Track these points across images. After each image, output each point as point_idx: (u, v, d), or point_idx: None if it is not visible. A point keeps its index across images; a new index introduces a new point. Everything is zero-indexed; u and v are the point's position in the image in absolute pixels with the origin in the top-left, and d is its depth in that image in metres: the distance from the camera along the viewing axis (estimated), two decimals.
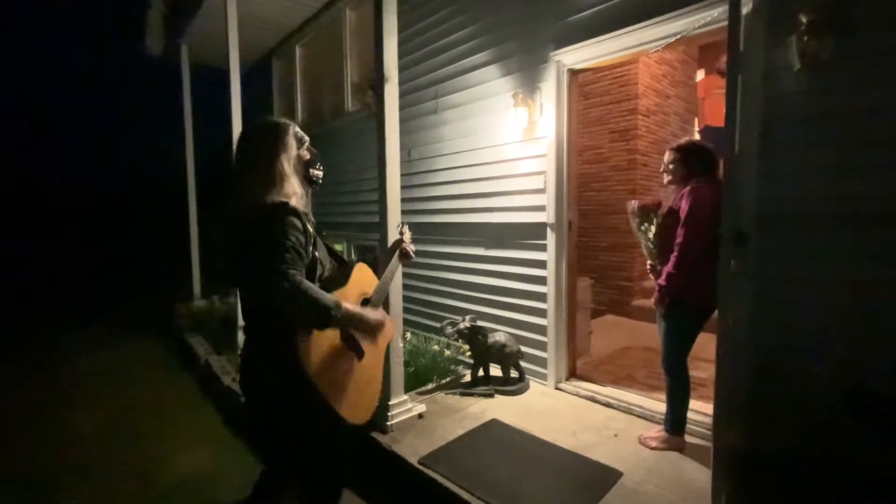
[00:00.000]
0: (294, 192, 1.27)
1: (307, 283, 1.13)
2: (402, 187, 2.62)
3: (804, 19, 1.79)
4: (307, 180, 1.40)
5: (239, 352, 3.75)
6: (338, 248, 5.13)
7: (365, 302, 1.43)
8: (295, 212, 1.21)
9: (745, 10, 1.99)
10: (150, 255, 10.19)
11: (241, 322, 4.02)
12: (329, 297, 1.17)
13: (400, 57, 2.65)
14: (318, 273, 1.30)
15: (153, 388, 3.64)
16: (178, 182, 5.87)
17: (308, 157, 1.40)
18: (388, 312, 1.67)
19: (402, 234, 1.74)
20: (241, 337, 3.97)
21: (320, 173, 1.45)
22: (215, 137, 4.56)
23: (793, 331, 1.94)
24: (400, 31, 2.47)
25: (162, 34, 5.94)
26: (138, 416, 3.11)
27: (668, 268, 2.03)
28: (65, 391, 3.62)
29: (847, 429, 1.76)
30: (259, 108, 6.69)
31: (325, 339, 1.24)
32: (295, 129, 1.36)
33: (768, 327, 1.99)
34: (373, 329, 1.35)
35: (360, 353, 1.35)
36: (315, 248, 1.28)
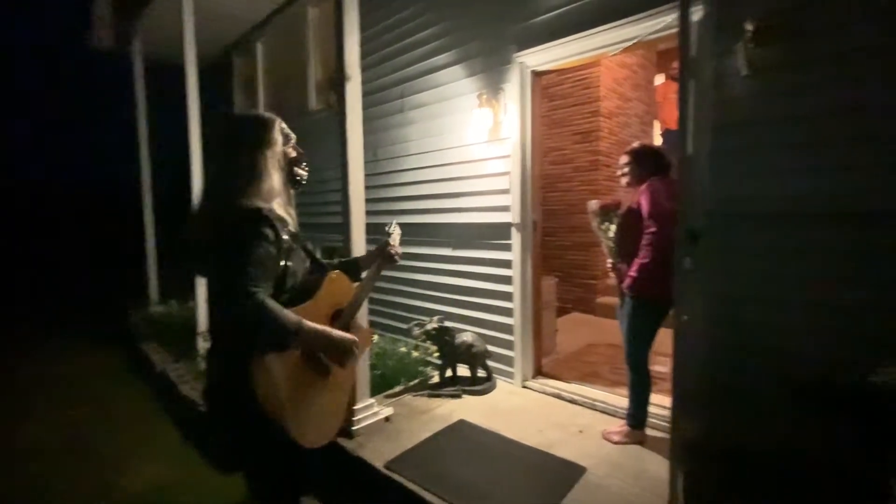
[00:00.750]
0: (273, 192, 1.20)
1: (269, 303, 1.07)
2: (368, 187, 2.59)
3: (749, 27, 1.87)
4: (291, 180, 1.31)
5: (198, 358, 3.65)
6: None
7: (339, 314, 1.34)
8: (268, 220, 1.13)
9: (694, 17, 2.07)
10: (101, 257, 9.65)
11: (200, 328, 3.92)
12: (291, 318, 1.10)
13: (364, 55, 2.61)
14: (290, 283, 1.22)
15: (106, 399, 3.44)
16: (132, 182, 5.58)
17: (294, 154, 1.31)
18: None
19: (389, 234, 1.57)
20: (200, 343, 3.82)
21: (305, 173, 1.36)
22: (172, 136, 4.37)
23: (744, 326, 2.03)
24: (364, 29, 2.44)
25: (112, 25, 5.62)
26: (90, 430, 2.93)
27: (641, 258, 2.08)
28: (9, 406, 3.38)
29: (795, 420, 1.86)
30: (219, 106, 6.46)
31: (285, 358, 1.16)
32: (282, 125, 1.28)
33: (721, 323, 2.08)
34: (338, 351, 1.23)
35: (325, 373, 1.27)
36: (290, 258, 1.21)
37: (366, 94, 2.61)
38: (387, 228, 1.59)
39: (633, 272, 2.10)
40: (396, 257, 1.55)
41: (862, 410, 1.68)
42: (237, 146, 1.22)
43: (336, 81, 2.40)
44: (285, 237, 1.19)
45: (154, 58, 5.68)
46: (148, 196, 5.35)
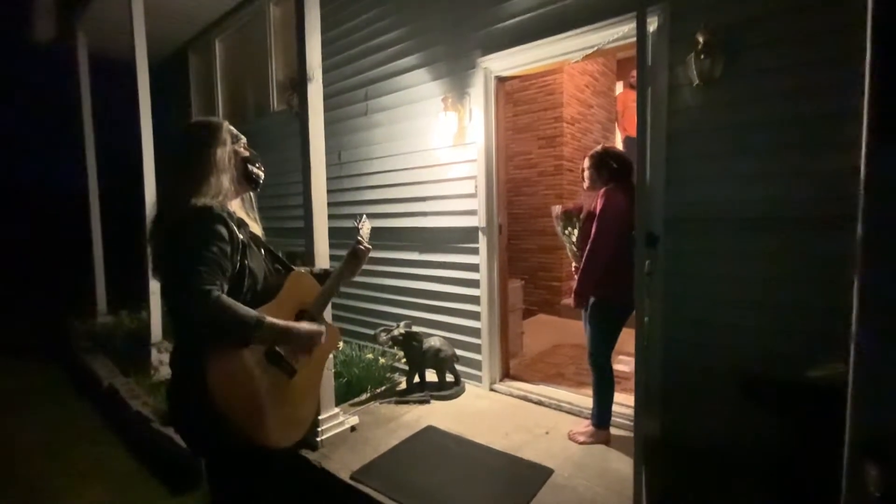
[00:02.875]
0: (222, 191, 1.19)
1: (224, 300, 1.05)
2: (332, 191, 2.53)
3: (700, 39, 1.96)
4: (247, 179, 1.31)
5: (151, 370, 3.45)
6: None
7: (301, 314, 1.31)
8: (220, 218, 1.12)
9: (650, 28, 2.15)
10: (41, 265, 8.98)
11: (154, 339, 3.70)
12: (249, 313, 1.10)
13: (328, 56, 2.56)
14: (249, 284, 1.19)
15: (42, 420, 3.17)
16: (78, 185, 5.23)
17: (246, 154, 1.31)
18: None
19: (359, 228, 1.52)
20: (154, 355, 3.61)
21: (261, 172, 1.35)
22: (124, 136, 4.14)
23: (700, 325, 2.12)
24: (327, 30, 2.40)
25: (53, 15, 5.25)
26: (20, 457, 2.67)
27: (581, 268, 2.13)
28: None
29: (748, 415, 1.95)
30: (174, 106, 6.19)
31: (246, 358, 1.14)
32: (228, 127, 1.29)
33: (678, 322, 2.16)
34: (304, 342, 1.25)
35: (290, 371, 1.24)
36: (247, 257, 1.19)
37: (329, 95, 2.57)
38: (356, 222, 1.54)
39: (576, 287, 2.16)
40: (363, 252, 1.48)
41: (802, 405, 1.79)
42: (185, 150, 1.23)
43: (297, 82, 2.33)
44: (241, 236, 1.18)
45: (102, 54, 5.37)
46: (94, 200, 5.03)
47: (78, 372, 3.98)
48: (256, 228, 1.36)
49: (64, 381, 3.93)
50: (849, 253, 1.27)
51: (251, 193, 1.37)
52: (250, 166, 1.31)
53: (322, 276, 1.49)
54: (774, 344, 1.93)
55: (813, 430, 1.67)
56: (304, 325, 1.25)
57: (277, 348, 1.20)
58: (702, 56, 1.96)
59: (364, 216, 1.57)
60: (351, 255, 1.48)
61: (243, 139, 1.33)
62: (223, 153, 1.22)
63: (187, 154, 1.22)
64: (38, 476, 2.47)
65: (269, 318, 1.13)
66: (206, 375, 1.05)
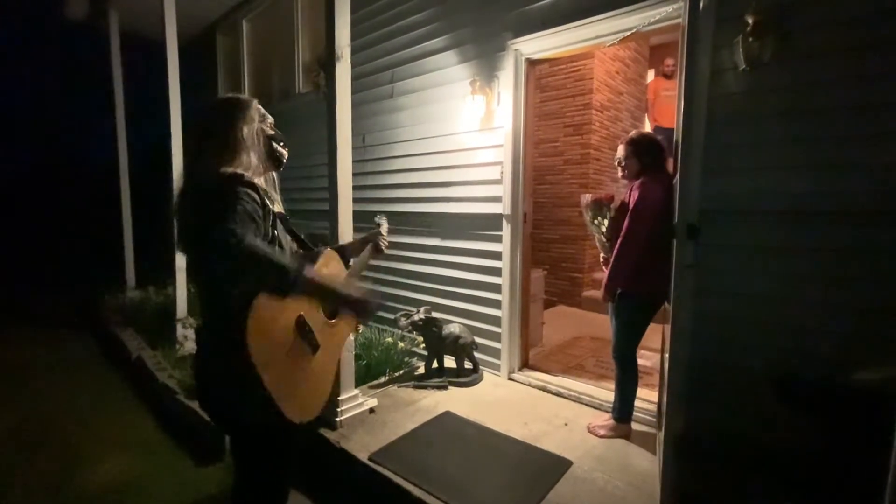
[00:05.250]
0: (251, 165, 1.20)
1: (258, 242, 1.00)
2: (356, 174, 2.51)
3: (750, 20, 1.85)
4: (271, 158, 1.32)
5: (177, 345, 3.54)
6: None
7: None
8: (251, 184, 1.12)
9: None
10: (75, 241, 9.29)
11: (179, 314, 3.80)
12: (287, 258, 1.06)
13: (354, 38, 2.52)
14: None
15: (73, 389, 3.31)
16: (108, 162, 5.36)
17: (272, 132, 1.32)
18: None
19: (379, 224, 1.62)
20: (179, 330, 3.70)
21: (285, 152, 1.36)
22: (153, 115, 4.20)
23: (731, 321, 2.04)
24: (354, 10, 2.35)
25: None
26: (53, 422, 2.80)
27: (612, 260, 2.07)
28: None
29: (780, 415, 1.88)
30: (202, 86, 6.24)
31: (277, 329, 1.13)
32: (258, 106, 1.30)
33: (710, 319, 2.08)
34: (352, 304, 1.14)
35: (314, 346, 1.23)
36: (276, 227, 1.20)
37: (355, 77, 2.53)
38: (376, 219, 1.64)
39: (606, 280, 2.10)
40: (384, 248, 1.60)
41: (841, 407, 1.71)
42: (215, 123, 1.23)
43: (325, 62, 2.30)
44: (270, 207, 1.19)
45: (133, 33, 5.44)
46: (125, 178, 5.15)
47: (108, 344, 4.14)
48: (279, 208, 1.36)
49: (94, 353, 4.08)
50: None
51: (274, 173, 1.38)
52: (275, 145, 1.32)
53: (342, 251, 1.53)
54: (813, 344, 1.84)
55: (850, 431, 1.60)
56: (348, 285, 1.16)
57: (306, 320, 1.18)
58: (750, 38, 1.84)
59: (382, 214, 1.67)
60: (374, 249, 1.57)
61: (270, 118, 1.34)
62: (251, 130, 1.23)
63: (217, 127, 1.22)
64: (67, 441, 2.57)
65: (311, 270, 1.06)
66: (239, 336, 1.03)
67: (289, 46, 4.83)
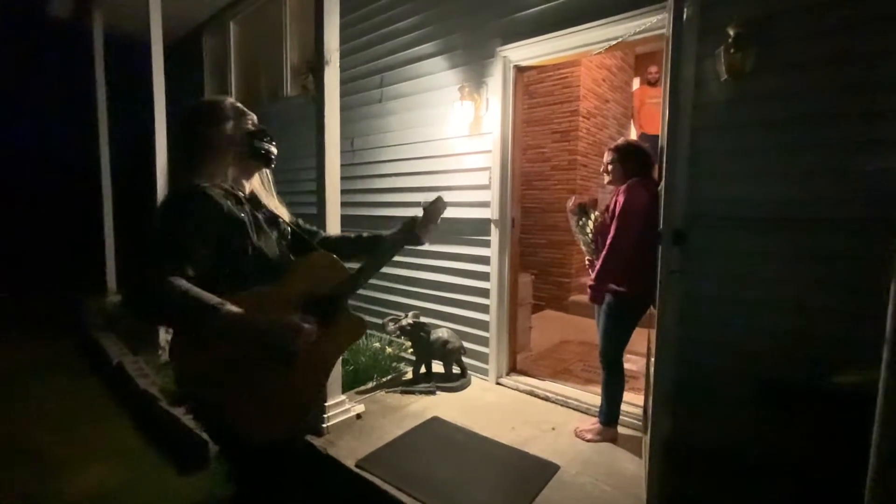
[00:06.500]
0: (223, 172, 1.15)
1: (179, 282, 0.95)
2: (344, 178, 2.51)
3: (731, 32, 1.90)
4: (255, 157, 1.22)
5: (160, 351, 3.47)
6: None
7: (309, 303, 1.15)
8: (203, 196, 1.06)
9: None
10: (53, 242, 9.06)
11: None
12: (209, 298, 0.96)
13: (344, 41, 2.52)
14: (257, 266, 1.13)
15: (51, 395, 3.21)
16: (90, 163, 5.24)
17: (252, 129, 1.23)
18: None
19: (426, 208, 1.37)
20: (162, 335, 3.63)
21: (272, 148, 1.25)
22: (137, 116, 4.14)
23: (716, 325, 2.08)
24: (344, 14, 2.35)
25: None
26: (30, 429, 2.71)
27: (598, 264, 2.10)
28: None
29: (764, 418, 1.91)
30: (188, 87, 6.16)
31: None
32: (233, 103, 1.23)
33: (694, 322, 2.11)
34: (270, 344, 1.01)
35: (287, 362, 1.09)
36: (249, 236, 1.12)
37: (344, 81, 2.53)
38: (423, 204, 1.38)
39: (591, 280, 2.13)
40: (428, 231, 1.38)
41: (823, 409, 1.75)
42: (184, 131, 1.20)
43: (314, 66, 2.30)
44: (241, 215, 1.13)
45: (117, 33, 5.36)
46: (107, 178, 5.05)
47: (88, 348, 4.03)
48: (281, 210, 1.31)
49: (74, 357, 3.97)
50: (881, 256, 1.22)
51: (267, 172, 1.31)
52: (257, 142, 1.22)
53: (370, 242, 1.42)
54: (795, 347, 1.89)
55: (831, 435, 1.64)
56: (272, 322, 1.01)
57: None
58: (732, 50, 1.89)
59: (440, 197, 1.39)
60: (406, 237, 1.37)
61: (252, 115, 1.26)
62: (222, 131, 1.17)
63: (185, 135, 1.19)
64: (45, 449, 2.50)
65: (230, 307, 0.96)
66: (183, 353, 1.01)
67: (277, 49, 4.80)
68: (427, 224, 1.38)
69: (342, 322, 1.25)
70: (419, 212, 1.41)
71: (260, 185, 1.28)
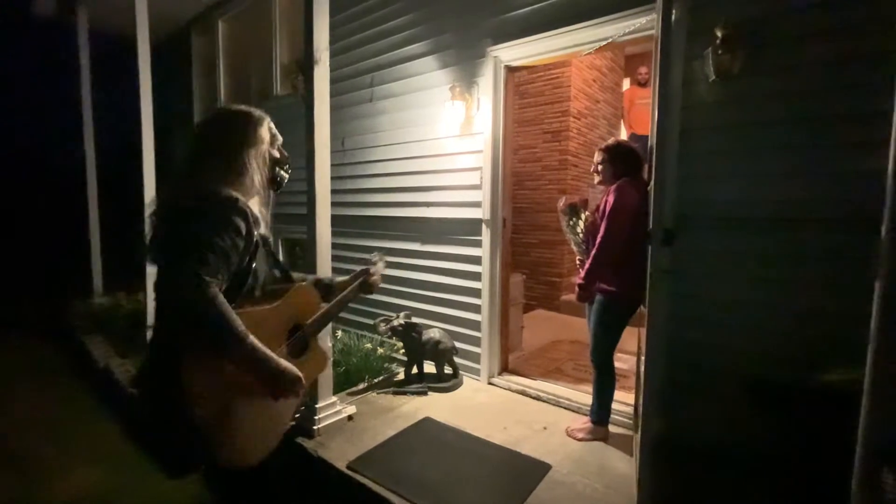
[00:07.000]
0: (252, 189, 1.16)
1: (220, 299, 0.97)
2: (335, 178, 2.49)
3: (719, 34, 1.91)
4: (272, 181, 1.27)
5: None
6: None
7: (294, 330, 1.24)
8: (243, 212, 1.08)
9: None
10: (37, 244, 8.90)
11: (150, 321, 3.67)
12: (239, 325, 1.00)
13: (334, 41, 2.50)
14: (250, 285, 1.15)
15: (37, 398, 3.15)
16: (75, 163, 5.15)
17: (278, 156, 1.28)
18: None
19: (374, 262, 1.55)
20: (150, 337, 3.57)
21: (287, 176, 1.32)
22: (123, 116, 4.08)
23: (704, 325, 2.09)
24: (333, 13, 2.33)
25: None
26: (16, 434, 2.66)
27: (587, 263, 2.10)
28: None
29: (751, 417, 1.93)
30: (175, 87, 6.09)
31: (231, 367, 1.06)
32: (270, 125, 1.26)
33: (681, 322, 2.13)
34: (278, 383, 1.09)
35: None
36: (256, 258, 1.15)
37: (334, 81, 2.51)
38: (372, 256, 1.58)
39: (580, 278, 2.13)
40: (375, 287, 1.52)
41: (808, 408, 1.77)
42: (222, 142, 1.17)
43: (304, 65, 2.28)
44: (257, 236, 1.14)
45: (103, 30, 5.27)
46: (92, 178, 4.96)
47: (74, 351, 3.96)
48: (264, 227, 1.30)
49: (60, 361, 3.90)
50: (865, 256, 1.24)
51: (272, 193, 1.33)
52: (279, 169, 1.28)
53: (326, 288, 1.45)
54: (781, 346, 1.91)
55: (819, 433, 1.66)
56: (287, 365, 1.10)
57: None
58: (720, 51, 1.91)
59: (380, 254, 1.60)
60: (361, 286, 1.48)
61: (279, 139, 1.30)
62: (259, 152, 1.19)
63: (225, 146, 1.16)
64: (31, 454, 2.45)
65: (254, 340, 1.02)
66: (185, 369, 0.98)
67: (266, 48, 4.76)
68: (377, 280, 1.53)
69: (311, 354, 1.30)
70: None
71: (258, 203, 1.23)
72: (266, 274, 1.24)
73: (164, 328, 1.11)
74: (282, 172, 1.30)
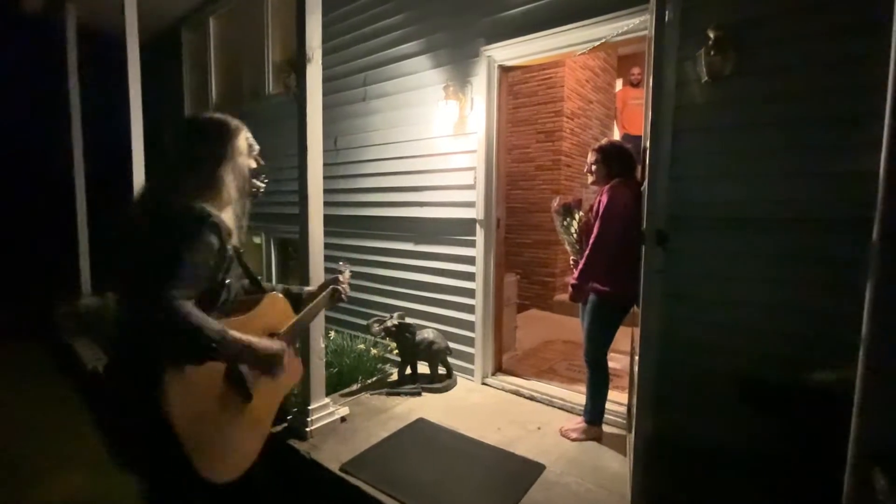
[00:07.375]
0: (226, 202, 1.14)
1: (190, 309, 0.98)
2: (328, 178, 2.48)
3: (711, 35, 1.92)
4: (248, 193, 1.26)
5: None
6: (255, 240, 4.72)
7: (272, 337, 1.26)
8: (216, 226, 1.06)
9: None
10: (23, 244, 8.76)
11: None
12: (213, 326, 1.01)
13: (326, 39, 2.48)
14: (224, 299, 1.15)
15: (22, 402, 3.10)
16: (62, 162, 5.07)
17: (255, 166, 1.27)
18: (300, 355, 1.49)
19: (341, 272, 1.58)
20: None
21: (263, 186, 1.31)
22: (112, 116, 4.02)
23: (697, 324, 2.10)
24: (326, 11, 2.32)
25: None
26: (3, 438, 2.61)
27: (581, 263, 2.10)
28: None
29: (745, 417, 1.94)
30: (166, 86, 6.01)
31: (204, 377, 1.07)
32: (247, 135, 1.24)
33: (675, 321, 2.14)
34: (267, 361, 1.16)
35: (246, 395, 1.17)
36: (229, 272, 1.14)
37: (327, 79, 2.50)
38: (339, 265, 1.62)
39: (573, 278, 2.13)
40: (344, 296, 1.54)
41: (801, 408, 1.78)
42: (199, 148, 1.15)
43: (296, 63, 2.26)
44: (230, 249, 1.13)
45: (91, 28, 5.19)
46: (80, 178, 4.89)
47: (61, 354, 3.90)
48: (237, 239, 1.28)
49: (47, 363, 3.84)
50: (857, 257, 1.25)
51: (247, 203, 1.30)
52: (255, 180, 1.28)
53: (295, 298, 1.45)
54: (773, 346, 1.92)
55: (811, 433, 1.67)
56: (267, 342, 1.16)
57: (241, 368, 1.14)
58: (712, 52, 1.92)
59: (346, 264, 1.63)
60: (331, 295, 1.50)
61: (257, 148, 1.28)
62: (236, 164, 1.18)
63: (200, 160, 1.14)
64: (19, 457, 2.41)
65: (232, 333, 1.05)
66: (163, 386, 0.97)
67: (258, 46, 4.72)
68: (345, 289, 1.56)
69: (290, 362, 1.30)
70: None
71: (232, 213, 1.21)
72: (240, 288, 1.24)
73: (135, 338, 1.08)
74: (258, 183, 1.29)
